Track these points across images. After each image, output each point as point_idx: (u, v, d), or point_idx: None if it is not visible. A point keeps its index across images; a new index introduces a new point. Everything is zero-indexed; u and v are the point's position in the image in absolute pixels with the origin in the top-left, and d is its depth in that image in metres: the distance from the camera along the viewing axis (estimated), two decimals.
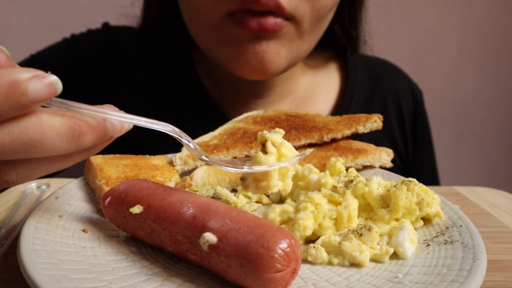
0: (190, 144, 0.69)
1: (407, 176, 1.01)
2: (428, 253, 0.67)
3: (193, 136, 1.30)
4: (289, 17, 1.08)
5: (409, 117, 1.51)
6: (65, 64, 1.37)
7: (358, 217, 0.74)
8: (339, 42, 1.45)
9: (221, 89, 1.38)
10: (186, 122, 1.34)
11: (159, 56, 1.42)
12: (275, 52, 1.12)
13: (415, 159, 1.53)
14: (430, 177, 1.59)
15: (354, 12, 1.41)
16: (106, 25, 1.46)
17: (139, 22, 1.45)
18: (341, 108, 1.42)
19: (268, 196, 0.89)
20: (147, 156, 1.01)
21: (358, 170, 0.99)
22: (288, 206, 0.77)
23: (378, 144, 1.10)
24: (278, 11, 1.06)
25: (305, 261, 0.66)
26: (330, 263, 0.66)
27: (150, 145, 1.33)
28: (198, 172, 0.94)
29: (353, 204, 0.73)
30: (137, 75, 1.40)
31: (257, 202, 0.87)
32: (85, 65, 1.38)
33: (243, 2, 1.04)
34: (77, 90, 1.36)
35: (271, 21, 1.06)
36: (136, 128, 1.40)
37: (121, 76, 1.39)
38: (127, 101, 1.38)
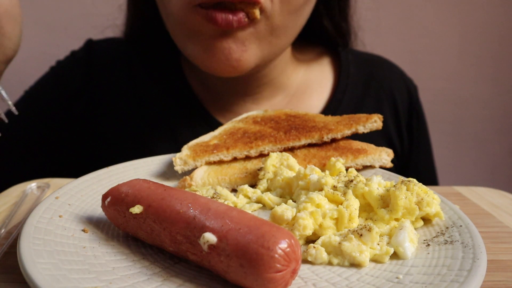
0: None
1: (403, 173, 1.02)
2: (428, 253, 0.67)
3: (181, 137, 1.31)
4: (260, 11, 1.06)
5: (404, 112, 1.50)
6: (54, 95, 1.41)
7: (358, 217, 0.74)
8: (330, 36, 1.44)
9: (209, 89, 1.37)
10: (174, 124, 1.34)
11: (144, 61, 1.43)
12: (242, 50, 1.10)
13: (411, 155, 1.52)
14: (427, 174, 1.57)
15: (343, 4, 1.41)
16: (88, 42, 1.48)
17: (123, 30, 1.46)
18: (332, 103, 1.41)
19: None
20: None
21: (358, 170, 0.99)
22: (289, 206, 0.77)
23: (372, 140, 1.10)
24: (250, 5, 1.04)
25: (305, 261, 0.66)
26: (330, 263, 0.66)
27: (150, 145, 1.34)
28: (198, 172, 0.94)
29: (355, 203, 0.73)
30: (123, 83, 1.41)
31: (257, 202, 0.87)
32: (70, 89, 1.41)
33: None
34: (70, 116, 1.39)
35: (239, 16, 1.04)
36: (136, 129, 1.41)
37: (107, 88, 1.41)
38: (115, 108, 1.39)
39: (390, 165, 1.01)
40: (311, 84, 1.44)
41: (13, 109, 0.84)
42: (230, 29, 1.07)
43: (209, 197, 0.83)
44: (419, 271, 0.62)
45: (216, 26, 1.06)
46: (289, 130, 1.04)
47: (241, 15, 1.05)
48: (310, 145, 1.03)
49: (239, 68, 1.13)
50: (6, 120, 0.84)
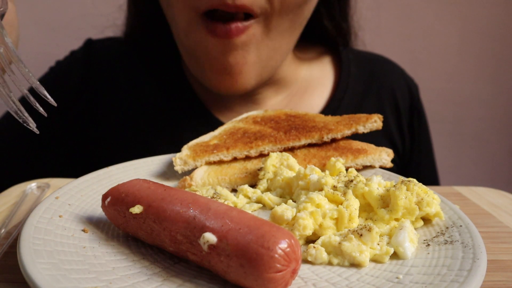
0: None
1: (404, 172, 1.02)
2: (428, 253, 0.67)
3: (182, 136, 1.30)
4: (256, 16, 1.10)
5: (405, 111, 1.50)
6: (53, 95, 1.41)
7: (358, 217, 0.74)
8: (331, 36, 1.45)
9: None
10: (175, 123, 1.35)
11: (144, 61, 1.43)
12: (242, 63, 1.14)
13: (412, 153, 1.52)
14: (428, 174, 1.58)
15: (343, 4, 1.41)
16: (88, 41, 1.48)
17: (123, 30, 1.46)
18: (333, 102, 1.41)
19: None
20: None
21: (358, 170, 0.99)
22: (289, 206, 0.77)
23: (374, 139, 1.10)
24: (245, 11, 1.08)
25: (305, 261, 0.66)
26: (330, 263, 0.66)
27: (150, 145, 1.34)
28: (198, 172, 0.94)
29: (355, 203, 0.73)
30: (123, 82, 1.41)
31: (257, 202, 0.87)
32: (70, 89, 1.41)
33: (209, 2, 1.07)
34: (70, 116, 1.39)
35: (235, 25, 1.09)
36: (136, 129, 1.41)
37: (106, 87, 1.41)
38: (115, 108, 1.39)
39: (390, 165, 1.01)
40: (312, 82, 1.44)
41: (49, 97, 0.81)
42: (229, 40, 1.10)
43: (209, 197, 0.83)
44: (419, 271, 0.62)
45: (216, 38, 1.10)
46: (289, 130, 1.04)
47: (238, 23, 1.09)
48: (310, 145, 1.03)
49: (240, 81, 1.16)
50: (45, 114, 0.83)
